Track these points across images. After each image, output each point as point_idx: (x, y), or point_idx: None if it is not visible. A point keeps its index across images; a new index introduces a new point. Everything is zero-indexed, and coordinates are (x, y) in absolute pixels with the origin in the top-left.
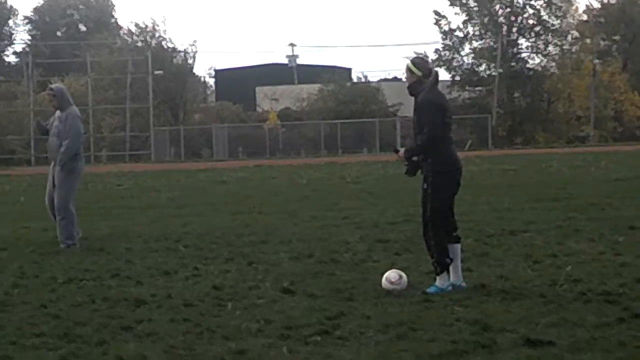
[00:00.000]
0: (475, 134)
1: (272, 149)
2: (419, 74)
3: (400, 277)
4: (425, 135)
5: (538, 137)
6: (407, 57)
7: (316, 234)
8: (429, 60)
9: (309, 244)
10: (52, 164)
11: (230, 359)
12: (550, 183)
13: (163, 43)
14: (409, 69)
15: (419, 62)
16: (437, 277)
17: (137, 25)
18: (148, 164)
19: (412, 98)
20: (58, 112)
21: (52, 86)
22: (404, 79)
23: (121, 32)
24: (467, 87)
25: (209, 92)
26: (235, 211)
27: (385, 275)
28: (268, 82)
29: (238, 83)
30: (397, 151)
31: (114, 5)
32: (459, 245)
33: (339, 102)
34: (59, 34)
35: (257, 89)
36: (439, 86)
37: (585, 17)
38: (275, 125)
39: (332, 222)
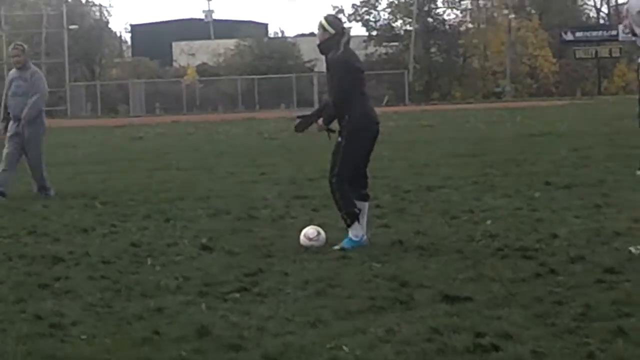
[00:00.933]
0: (392, 89)
1: (189, 104)
2: (332, 31)
3: (318, 233)
4: (336, 92)
5: (454, 92)
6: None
7: (234, 191)
8: (342, 19)
9: (227, 201)
10: (14, 123)
11: (149, 316)
12: (466, 139)
13: None
14: (322, 26)
15: (332, 20)
16: (349, 229)
17: None
18: (64, 119)
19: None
20: (15, 72)
21: (20, 42)
22: (316, 35)
23: None
24: (383, 43)
25: (125, 48)
26: (153, 168)
27: (303, 232)
28: (185, 37)
29: (154, 38)
30: (299, 117)
31: None
32: (366, 204)
33: (256, 58)
34: None
35: (174, 44)
36: (352, 43)
37: None
38: (192, 80)
39: (249, 179)
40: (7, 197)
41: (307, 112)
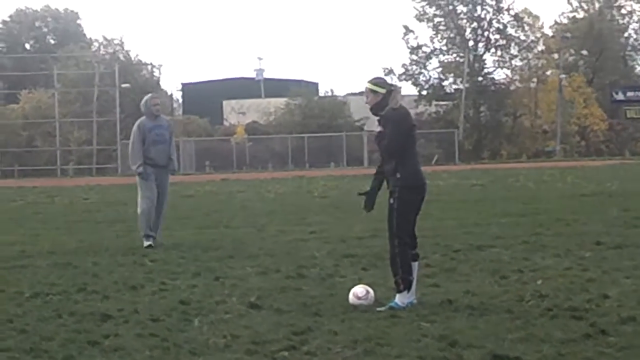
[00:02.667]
0: (442, 148)
1: (239, 162)
2: (383, 91)
3: (367, 292)
4: (386, 142)
5: (502, 151)
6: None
7: (283, 249)
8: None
9: (276, 259)
10: (153, 170)
11: None
12: (517, 198)
13: (130, 55)
14: (370, 90)
15: (378, 81)
16: (398, 295)
17: (104, 37)
18: (115, 177)
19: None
20: (148, 121)
21: (156, 94)
22: (365, 102)
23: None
24: (433, 102)
25: (176, 106)
26: (203, 225)
27: (352, 291)
28: (235, 96)
29: (205, 97)
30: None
31: (80, 18)
32: (417, 263)
33: (306, 116)
34: (27, 47)
35: (224, 102)
36: (404, 101)
37: (551, 33)
38: (242, 139)
39: (299, 237)
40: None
41: (367, 188)
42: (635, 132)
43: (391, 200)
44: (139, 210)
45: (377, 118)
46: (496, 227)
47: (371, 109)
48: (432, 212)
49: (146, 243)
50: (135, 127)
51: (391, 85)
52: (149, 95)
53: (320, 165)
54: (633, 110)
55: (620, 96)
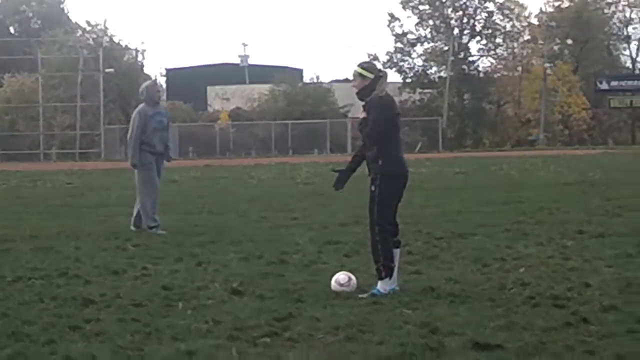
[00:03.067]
0: (426, 136)
1: (223, 148)
2: (371, 76)
3: (350, 279)
4: (369, 128)
5: (485, 139)
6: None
7: (266, 235)
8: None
9: (259, 245)
10: (153, 156)
11: (180, 359)
12: (499, 186)
13: (114, 40)
14: (359, 74)
15: (368, 65)
16: (380, 282)
17: (88, 22)
18: (98, 162)
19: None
20: (149, 108)
21: (155, 81)
22: (352, 85)
23: (73, 29)
24: (417, 90)
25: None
26: (185, 211)
27: (334, 277)
28: (219, 82)
29: (189, 82)
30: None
31: (64, 2)
32: (398, 250)
33: (290, 103)
34: (11, 30)
35: (209, 88)
36: (388, 88)
37: (536, 22)
38: (226, 125)
39: (282, 223)
40: (34, 236)
41: (342, 167)
42: (619, 121)
43: (372, 188)
44: (140, 204)
45: (362, 104)
46: (479, 215)
47: (357, 93)
48: (414, 199)
49: (160, 231)
50: (135, 115)
51: (380, 70)
52: (149, 81)
53: (303, 152)
54: (617, 99)
55: (604, 85)
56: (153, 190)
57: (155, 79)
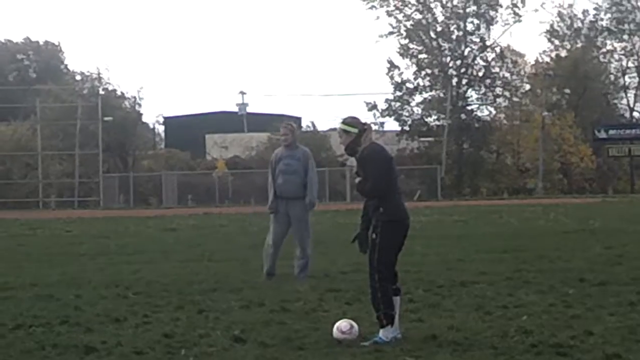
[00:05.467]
0: (424, 184)
1: (222, 197)
2: (355, 131)
3: (352, 326)
4: (370, 185)
5: (482, 187)
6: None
7: (267, 283)
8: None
9: (260, 292)
10: (282, 202)
11: None
12: (499, 234)
13: (111, 89)
14: (343, 130)
15: (350, 121)
16: (381, 329)
17: (82, 73)
18: (97, 210)
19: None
20: (284, 151)
21: (290, 122)
22: (340, 143)
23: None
24: (416, 138)
25: (158, 140)
26: (185, 259)
27: (336, 325)
28: (218, 130)
29: (187, 130)
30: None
31: (63, 52)
32: (399, 298)
33: None
34: (10, 79)
35: (207, 136)
36: (385, 137)
37: (534, 71)
38: (223, 173)
39: (282, 271)
40: (35, 285)
41: (356, 231)
42: (618, 170)
43: (373, 235)
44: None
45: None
46: (479, 263)
47: (345, 149)
48: (415, 247)
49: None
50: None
51: (364, 124)
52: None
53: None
54: (615, 148)
55: (602, 134)
56: (272, 233)
57: (285, 123)
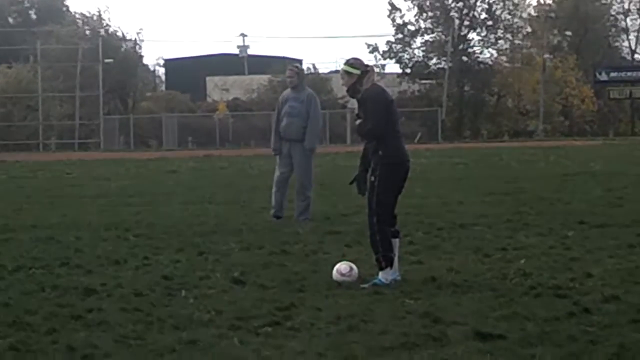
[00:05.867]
0: (425, 126)
1: (222, 139)
2: (357, 72)
3: (351, 268)
4: (369, 126)
5: (483, 130)
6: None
7: (266, 225)
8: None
9: (260, 235)
10: (285, 144)
11: (181, 349)
12: (500, 177)
13: (111, 31)
14: (345, 72)
15: (353, 62)
16: (381, 272)
17: (83, 14)
18: (97, 152)
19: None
20: (290, 92)
21: (296, 65)
22: (342, 84)
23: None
24: (417, 80)
25: (158, 82)
26: (186, 201)
27: (336, 267)
28: (218, 72)
29: (188, 73)
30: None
31: None
32: (397, 240)
33: None
34: (10, 20)
35: (208, 78)
36: (386, 79)
37: (535, 13)
38: (224, 115)
39: (285, 214)
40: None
41: (355, 173)
42: (619, 112)
43: (372, 178)
44: (310, 192)
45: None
46: (480, 206)
47: (347, 91)
48: (415, 190)
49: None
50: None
51: (366, 65)
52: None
53: None
54: (616, 90)
55: (603, 77)
56: (277, 173)
57: (291, 65)
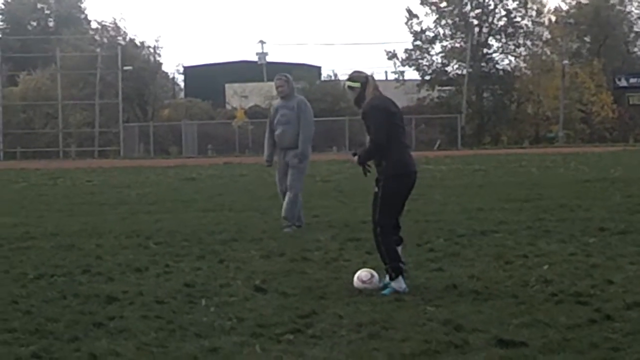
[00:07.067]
0: (444, 133)
1: (242, 146)
2: (358, 85)
3: (372, 275)
4: (371, 140)
5: (503, 136)
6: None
7: (287, 232)
8: (362, 71)
9: (280, 242)
10: (281, 152)
11: (203, 356)
12: (520, 183)
13: (129, 39)
14: (348, 87)
15: (354, 75)
16: (392, 282)
17: (99, 23)
18: (117, 160)
19: None
20: (280, 101)
21: (284, 73)
22: (349, 99)
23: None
24: (436, 87)
25: (177, 89)
26: (206, 208)
27: (356, 274)
28: (237, 79)
29: (207, 80)
30: (355, 154)
31: (83, 1)
32: (400, 248)
33: (308, 100)
34: (29, 27)
35: (227, 85)
36: (405, 87)
37: (554, 18)
38: (243, 122)
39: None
40: (56, 234)
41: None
42: (639, 118)
43: (376, 189)
44: (299, 198)
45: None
46: (500, 213)
47: (355, 105)
48: (435, 197)
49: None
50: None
51: (365, 77)
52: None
53: (322, 150)
54: (636, 96)
55: (623, 82)
56: (277, 184)
57: (279, 74)
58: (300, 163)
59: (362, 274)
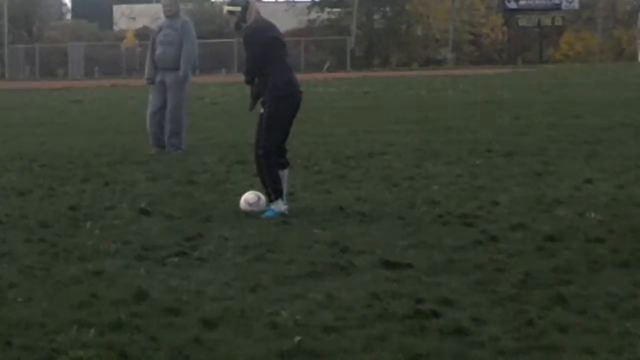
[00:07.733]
0: (334, 55)
1: (129, 68)
2: (239, 9)
3: (259, 198)
4: (248, 65)
5: (392, 58)
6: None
7: (173, 154)
8: None
9: (166, 165)
10: (159, 72)
11: (87, 279)
12: (408, 106)
13: None
14: (228, 12)
15: (232, 0)
16: (272, 204)
17: None
18: (1, 82)
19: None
20: (165, 20)
21: None
22: (229, 25)
23: None
24: (326, 9)
25: (64, 10)
26: (92, 131)
27: (243, 197)
28: (125, 1)
29: (94, 1)
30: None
31: None
32: (286, 171)
33: (197, 22)
34: None
35: (114, 7)
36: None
37: None
38: (132, 44)
39: (189, 143)
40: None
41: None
42: (529, 40)
43: (262, 111)
44: (183, 123)
45: None
46: (388, 135)
47: (235, 30)
48: (323, 119)
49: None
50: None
51: (246, 1)
52: None
53: (211, 72)
54: (525, 18)
55: (512, 4)
56: (150, 104)
57: None
58: (182, 84)
59: (249, 196)
